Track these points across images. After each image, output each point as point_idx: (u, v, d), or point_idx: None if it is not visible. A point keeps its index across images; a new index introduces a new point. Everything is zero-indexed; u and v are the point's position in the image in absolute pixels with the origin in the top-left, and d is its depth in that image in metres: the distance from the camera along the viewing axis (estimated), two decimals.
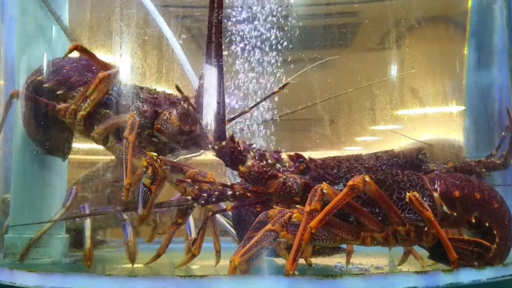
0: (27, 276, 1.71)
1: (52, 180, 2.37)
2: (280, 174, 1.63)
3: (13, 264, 2.13)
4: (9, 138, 2.43)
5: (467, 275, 1.63)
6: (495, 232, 1.75)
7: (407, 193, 1.59)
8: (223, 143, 1.53)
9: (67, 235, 2.39)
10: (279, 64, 2.76)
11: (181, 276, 1.51)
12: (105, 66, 2.10)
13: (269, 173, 1.61)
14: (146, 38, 2.41)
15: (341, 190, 1.53)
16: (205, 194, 1.68)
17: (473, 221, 1.73)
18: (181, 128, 2.03)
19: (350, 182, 1.50)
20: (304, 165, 1.68)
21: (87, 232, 2.32)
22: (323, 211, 1.46)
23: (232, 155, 1.55)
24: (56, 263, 2.25)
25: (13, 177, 2.36)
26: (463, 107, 2.80)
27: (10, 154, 2.40)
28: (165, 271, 2.24)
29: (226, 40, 2.70)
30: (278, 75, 2.79)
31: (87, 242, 2.24)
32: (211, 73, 1.53)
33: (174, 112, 2.05)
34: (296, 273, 1.46)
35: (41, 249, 2.24)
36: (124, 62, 2.19)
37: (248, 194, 1.65)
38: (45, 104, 2.18)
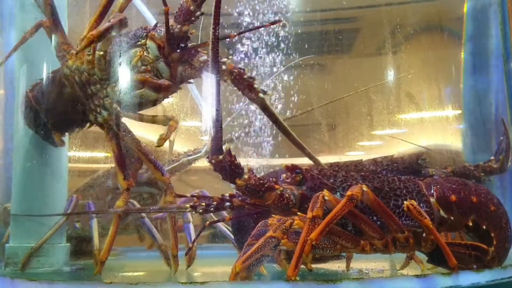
0: (28, 285, 1.71)
1: (53, 189, 2.37)
2: (277, 186, 1.65)
3: (14, 274, 2.14)
4: (9, 147, 2.44)
5: (466, 278, 1.64)
6: (493, 235, 1.76)
7: (405, 202, 1.62)
8: (220, 157, 1.55)
9: (68, 244, 2.39)
10: (275, 69, 2.79)
11: (182, 283, 1.52)
12: None
13: (266, 185, 1.63)
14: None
15: (340, 199, 1.55)
16: (203, 203, 1.70)
17: (471, 224, 1.75)
18: (166, 29, 1.89)
19: (348, 193, 1.52)
20: (301, 176, 1.70)
21: (94, 233, 2.32)
22: (323, 222, 1.48)
23: (229, 168, 1.57)
24: (58, 272, 2.25)
25: (13, 186, 2.37)
26: (459, 111, 2.82)
27: (10, 164, 2.40)
28: (166, 278, 2.24)
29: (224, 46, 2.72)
30: (276, 81, 2.82)
31: (95, 244, 2.24)
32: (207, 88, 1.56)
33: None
34: (297, 278, 1.48)
35: (42, 258, 2.24)
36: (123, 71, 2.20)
37: (246, 206, 1.68)
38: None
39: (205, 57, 1.95)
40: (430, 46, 2.98)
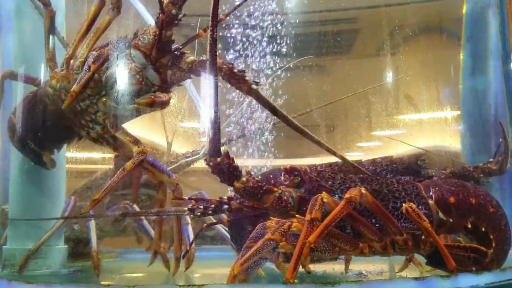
0: None
1: (51, 190, 2.37)
2: (275, 189, 1.65)
3: (11, 276, 2.13)
4: (7, 149, 2.43)
5: (465, 280, 1.63)
6: (492, 236, 1.76)
7: (404, 205, 1.61)
8: (218, 159, 1.54)
9: (66, 246, 2.38)
10: (274, 70, 2.79)
11: (179, 285, 1.52)
12: None
13: (264, 188, 1.62)
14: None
15: (338, 202, 1.55)
16: (201, 206, 1.70)
17: (469, 226, 1.75)
18: (158, 36, 1.89)
19: (347, 195, 1.52)
20: (299, 179, 1.70)
21: (92, 234, 2.31)
22: (321, 225, 1.47)
23: (227, 171, 1.57)
24: (55, 274, 2.25)
25: (11, 187, 2.36)
26: (458, 113, 2.82)
27: (8, 165, 2.40)
28: (164, 280, 2.24)
29: (223, 47, 2.72)
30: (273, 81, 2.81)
31: (93, 246, 2.23)
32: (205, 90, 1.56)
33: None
34: (296, 281, 1.47)
35: (40, 260, 2.23)
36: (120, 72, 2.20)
37: (245, 208, 1.67)
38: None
39: (191, 58, 1.95)
40: (429, 47, 2.98)
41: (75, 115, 2.04)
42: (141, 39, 1.96)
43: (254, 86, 1.86)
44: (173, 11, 1.89)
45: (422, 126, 2.83)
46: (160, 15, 1.90)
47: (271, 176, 1.96)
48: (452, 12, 3.03)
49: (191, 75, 1.99)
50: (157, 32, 1.91)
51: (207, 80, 1.58)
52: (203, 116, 1.94)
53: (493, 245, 1.75)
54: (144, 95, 1.95)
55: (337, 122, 2.97)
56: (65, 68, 2.02)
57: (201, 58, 1.93)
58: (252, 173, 1.64)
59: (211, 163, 1.56)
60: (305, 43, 2.97)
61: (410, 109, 2.82)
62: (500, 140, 2.39)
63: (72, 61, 2.04)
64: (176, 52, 1.96)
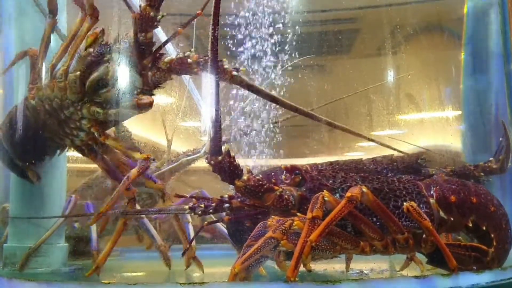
0: (26, 286, 1.71)
1: (51, 189, 2.37)
2: (276, 187, 1.65)
3: (12, 274, 2.13)
4: None
5: (465, 279, 1.63)
6: (492, 235, 1.76)
7: (404, 203, 1.61)
8: (219, 158, 1.55)
9: (66, 244, 2.38)
10: (276, 70, 2.78)
11: (180, 284, 1.52)
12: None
13: (265, 186, 1.62)
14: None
15: (340, 200, 1.55)
16: (202, 205, 1.70)
17: (470, 225, 1.75)
18: (134, 38, 1.90)
19: (348, 194, 1.51)
20: (300, 177, 1.70)
21: (93, 235, 2.31)
22: (322, 224, 1.47)
23: (228, 170, 1.57)
24: (56, 272, 2.25)
25: (11, 186, 2.36)
26: (459, 112, 2.82)
27: None
28: (165, 278, 2.24)
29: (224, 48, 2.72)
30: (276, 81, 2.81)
31: (94, 245, 2.23)
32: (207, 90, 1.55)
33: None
34: (297, 279, 1.47)
35: (41, 258, 2.23)
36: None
37: (246, 207, 1.67)
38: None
39: (170, 57, 1.96)
40: (430, 47, 2.98)
41: (58, 123, 2.05)
42: (122, 42, 1.98)
43: (235, 73, 1.86)
44: (151, 13, 1.89)
45: (423, 125, 2.83)
46: (136, 18, 1.91)
47: (272, 174, 1.96)
48: (453, 11, 3.03)
49: (171, 75, 1.99)
50: (139, 37, 1.92)
51: (208, 79, 1.58)
52: (204, 115, 1.93)
53: (494, 244, 1.75)
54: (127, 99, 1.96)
55: (338, 121, 2.97)
56: (48, 77, 2.03)
57: (178, 56, 1.93)
58: (253, 172, 1.64)
59: (212, 162, 1.56)
60: (306, 42, 2.97)
61: (411, 108, 2.82)
62: (501, 139, 2.38)
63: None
64: (156, 54, 1.96)
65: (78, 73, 1.95)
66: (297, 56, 2.87)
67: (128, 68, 1.96)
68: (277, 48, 2.86)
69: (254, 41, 2.83)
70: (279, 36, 2.84)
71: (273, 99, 1.96)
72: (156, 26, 1.94)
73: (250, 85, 1.92)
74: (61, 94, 1.98)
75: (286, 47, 2.86)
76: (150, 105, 1.94)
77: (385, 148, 2.16)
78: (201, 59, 1.88)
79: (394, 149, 2.11)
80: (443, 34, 3.01)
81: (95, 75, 1.95)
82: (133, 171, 1.90)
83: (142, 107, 1.93)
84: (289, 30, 2.85)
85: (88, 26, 2.02)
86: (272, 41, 2.85)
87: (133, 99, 1.93)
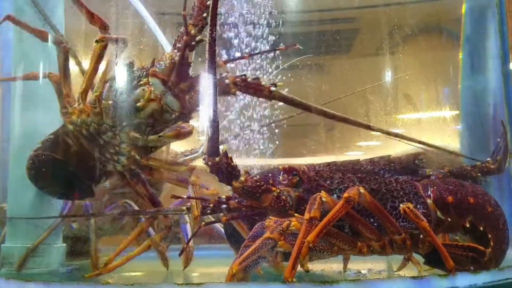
0: (23, 286, 1.71)
1: None
2: (273, 188, 1.65)
3: (10, 274, 2.13)
4: (5, 147, 2.43)
5: (463, 280, 1.63)
6: (490, 236, 1.76)
7: (401, 205, 1.61)
8: (217, 159, 1.55)
9: (64, 244, 2.38)
10: (273, 69, 2.78)
11: (178, 284, 1.52)
12: (92, 17, 1.99)
13: (262, 187, 1.63)
14: (141, 47, 2.42)
15: (337, 201, 1.55)
16: (200, 206, 1.70)
17: (468, 225, 1.75)
18: (179, 60, 1.87)
19: (345, 195, 1.52)
20: (297, 178, 1.70)
21: (92, 236, 2.30)
22: (320, 225, 1.48)
23: (225, 170, 1.57)
24: (53, 273, 2.25)
25: (9, 186, 2.36)
26: (457, 112, 2.82)
27: (6, 163, 2.40)
28: (163, 278, 2.24)
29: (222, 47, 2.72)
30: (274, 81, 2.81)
31: (92, 247, 2.23)
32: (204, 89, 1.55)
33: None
34: (294, 279, 1.47)
35: (38, 259, 2.23)
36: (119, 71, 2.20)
37: (243, 208, 1.67)
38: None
39: None
40: (428, 47, 2.98)
41: (99, 148, 2.02)
42: (158, 65, 1.94)
43: (273, 88, 1.85)
44: (192, 32, 1.87)
45: (421, 126, 2.83)
46: (184, 38, 1.87)
47: (269, 175, 1.96)
48: (451, 12, 3.03)
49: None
50: (174, 57, 1.89)
51: (206, 80, 1.58)
52: (202, 115, 1.92)
53: (491, 244, 1.76)
54: (165, 123, 1.94)
55: (336, 122, 2.97)
56: (82, 102, 2.00)
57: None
58: (250, 172, 1.64)
59: (209, 163, 1.57)
60: (304, 42, 2.97)
61: (409, 108, 2.82)
62: (498, 139, 2.39)
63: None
64: (196, 77, 1.94)
65: (111, 102, 1.93)
66: (295, 55, 2.86)
67: (165, 92, 1.92)
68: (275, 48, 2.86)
69: (252, 40, 2.83)
70: (277, 35, 2.84)
71: (319, 112, 1.93)
72: (194, 48, 1.91)
73: (292, 100, 1.90)
74: (98, 119, 1.96)
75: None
76: (190, 133, 1.91)
77: (384, 148, 2.16)
78: (238, 79, 1.86)
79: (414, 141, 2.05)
80: (441, 34, 3.02)
81: (131, 97, 1.93)
82: (194, 209, 1.83)
83: (183, 136, 1.91)
84: (287, 30, 2.85)
85: (102, 45, 1.98)
86: (270, 40, 2.85)
87: (175, 128, 1.91)
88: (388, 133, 2.02)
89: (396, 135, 2.02)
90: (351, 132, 3.00)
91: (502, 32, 2.70)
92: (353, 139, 3.01)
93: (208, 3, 1.84)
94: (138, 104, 1.91)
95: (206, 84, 1.56)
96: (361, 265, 2.13)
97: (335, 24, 3.19)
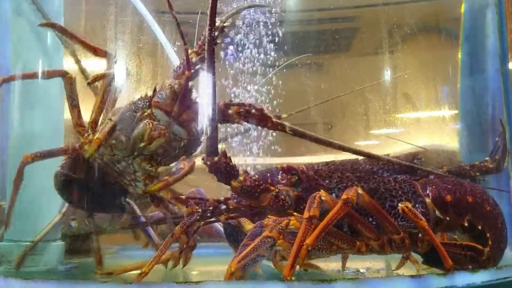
0: (22, 284, 1.70)
1: (48, 187, 2.36)
2: (272, 188, 1.66)
3: (8, 272, 2.13)
4: (4, 145, 2.43)
5: (461, 279, 1.64)
6: (488, 235, 1.77)
7: (400, 204, 1.62)
8: (216, 158, 1.55)
9: (63, 242, 2.38)
10: (272, 68, 2.78)
11: (177, 283, 1.52)
12: (94, 50, 2.02)
13: (261, 187, 1.63)
14: (141, 45, 2.42)
15: (336, 200, 1.55)
16: (200, 210, 1.70)
17: (466, 224, 1.76)
18: (174, 89, 1.85)
19: (343, 196, 1.52)
20: (296, 177, 1.70)
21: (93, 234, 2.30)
22: (318, 227, 1.48)
23: (224, 170, 1.57)
24: (52, 271, 2.24)
25: (8, 184, 2.36)
26: (456, 112, 2.83)
27: (5, 162, 2.39)
28: (162, 277, 2.24)
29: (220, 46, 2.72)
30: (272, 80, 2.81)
31: (94, 245, 2.23)
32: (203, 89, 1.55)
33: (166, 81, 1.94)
34: (293, 278, 1.48)
35: (37, 257, 2.23)
36: (119, 70, 2.20)
37: (242, 208, 1.68)
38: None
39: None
40: (428, 46, 2.98)
41: (117, 174, 2.03)
42: (159, 96, 1.92)
43: (276, 120, 1.83)
44: (193, 59, 1.87)
45: (420, 125, 2.84)
46: (186, 73, 1.86)
47: (268, 175, 1.96)
48: (451, 11, 3.03)
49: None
50: (174, 86, 1.88)
51: (204, 79, 1.58)
52: (201, 114, 1.92)
53: (490, 243, 1.76)
54: (175, 149, 1.93)
55: (335, 121, 2.97)
56: (91, 133, 2.00)
57: (220, 104, 1.88)
58: (249, 171, 1.64)
59: (208, 162, 1.57)
60: (304, 41, 2.97)
61: (408, 107, 2.82)
62: (497, 139, 2.39)
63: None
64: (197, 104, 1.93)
65: (118, 133, 1.92)
66: (294, 54, 2.87)
67: (170, 122, 1.91)
68: (274, 47, 2.86)
69: (250, 39, 2.83)
70: (276, 34, 2.84)
71: (321, 142, 1.88)
72: (196, 76, 1.90)
73: (295, 130, 1.87)
74: (108, 150, 1.95)
75: (283, 46, 2.86)
76: (190, 171, 1.87)
77: (383, 147, 2.16)
78: (241, 110, 1.85)
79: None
80: (440, 33, 3.02)
81: (136, 132, 1.91)
82: (178, 228, 1.84)
83: (185, 176, 1.88)
84: (286, 29, 2.85)
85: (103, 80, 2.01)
86: (270, 39, 2.85)
87: (162, 181, 1.89)
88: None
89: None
90: (350, 131, 3.00)
91: (501, 32, 2.70)
92: (351, 138, 3.01)
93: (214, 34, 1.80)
94: (143, 141, 1.90)
95: (205, 83, 1.56)
96: (360, 264, 2.14)
97: (335, 23, 3.19)
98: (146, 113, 1.93)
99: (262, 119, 1.83)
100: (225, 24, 1.91)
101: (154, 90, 1.97)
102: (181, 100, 1.88)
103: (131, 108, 1.96)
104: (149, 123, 1.88)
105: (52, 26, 2.12)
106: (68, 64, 2.39)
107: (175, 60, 2.56)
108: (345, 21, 3.25)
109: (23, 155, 2.08)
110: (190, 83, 1.90)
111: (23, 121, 2.35)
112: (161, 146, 1.91)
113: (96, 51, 2.04)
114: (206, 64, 1.55)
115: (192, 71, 1.88)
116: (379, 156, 2.00)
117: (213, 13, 1.52)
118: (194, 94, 1.94)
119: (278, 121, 1.84)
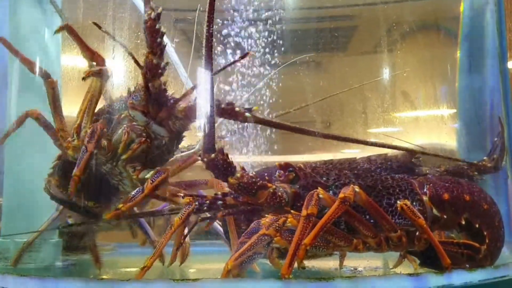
0: (19, 281, 1.70)
1: None
2: (269, 185, 1.66)
3: (5, 269, 2.12)
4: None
5: (458, 277, 1.64)
6: (485, 233, 1.77)
7: (398, 201, 1.62)
8: (213, 155, 1.55)
9: (60, 239, 2.38)
10: (271, 67, 2.78)
11: (174, 280, 1.52)
12: (93, 54, 2.03)
13: (258, 184, 1.63)
14: (139, 41, 2.41)
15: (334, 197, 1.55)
16: (196, 203, 1.70)
17: (463, 223, 1.76)
18: (147, 86, 1.86)
19: (340, 195, 1.52)
20: (294, 174, 1.70)
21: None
22: (316, 227, 1.48)
23: (221, 167, 1.57)
24: (49, 268, 2.24)
25: (5, 181, 2.35)
26: (454, 110, 2.83)
27: (2, 158, 2.39)
28: (159, 274, 2.23)
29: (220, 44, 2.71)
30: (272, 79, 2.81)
31: (91, 242, 2.23)
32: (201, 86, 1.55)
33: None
34: (291, 276, 1.48)
35: (34, 254, 2.23)
36: (116, 66, 2.19)
37: (239, 204, 1.68)
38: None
39: (183, 104, 1.93)
40: (426, 45, 2.98)
41: (105, 174, 2.04)
42: (134, 97, 1.94)
43: (247, 114, 1.83)
44: (154, 61, 1.85)
45: (418, 124, 2.84)
46: (142, 71, 1.87)
47: (265, 172, 1.96)
48: (449, 10, 3.03)
49: (190, 121, 1.96)
50: (145, 83, 1.88)
51: (202, 76, 1.58)
52: (199, 112, 1.92)
53: (487, 241, 1.76)
54: (158, 148, 1.95)
55: (333, 119, 2.97)
56: (76, 138, 2.01)
57: (190, 104, 1.91)
58: (246, 168, 1.64)
59: (205, 159, 1.57)
60: (302, 39, 2.96)
61: (406, 106, 2.82)
62: (495, 139, 2.39)
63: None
64: (170, 102, 1.93)
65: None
66: (293, 53, 2.86)
67: (148, 122, 1.93)
68: (273, 45, 2.86)
69: (249, 37, 2.83)
70: (274, 32, 2.84)
71: (297, 131, 1.91)
72: (162, 74, 1.90)
73: (268, 121, 1.90)
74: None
75: (282, 44, 2.86)
76: (164, 181, 1.89)
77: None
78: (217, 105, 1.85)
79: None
80: (439, 32, 3.02)
81: (116, 137, 1.93)
82: (176, 220, 1.79)
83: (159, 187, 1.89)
84: (285, 27, 2.85)
85: (100, 86, 2.01)
86: (268, 37, 2.85)
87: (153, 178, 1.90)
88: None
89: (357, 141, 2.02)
90: (348, 130, 3.00)
91: (500, 31, 2.70)
92: (350, 136, 3.01)
93: (157, 27, 1.80)
94: (124, 150, 1.92)
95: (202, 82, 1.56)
96: (358, 262, 2.14)
97: (333, 22, 3.18)
98: (123, 115, 1.95)
99: (233, 114, 1.83)
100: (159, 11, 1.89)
101: (129, 92, 1.98)
102: (154, 99, 1.90)
103: (108, 110, 1.99)
104: (126, 133, 1.90)
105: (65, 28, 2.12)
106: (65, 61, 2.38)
107: (174, 57, 2.56)
108: (344, 19, 3.25)
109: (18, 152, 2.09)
110: (160, 86, 1.90)
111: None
112: (142, 151, 1.92)
113: (94, 56, 2.04)
114: (204, 62, 1.55)
115: (160, 71, 1.88)
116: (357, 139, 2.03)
117: (211, 10, 1.51)
118: (168, 92, 1.94)
119: (249, 114, 1.83)
